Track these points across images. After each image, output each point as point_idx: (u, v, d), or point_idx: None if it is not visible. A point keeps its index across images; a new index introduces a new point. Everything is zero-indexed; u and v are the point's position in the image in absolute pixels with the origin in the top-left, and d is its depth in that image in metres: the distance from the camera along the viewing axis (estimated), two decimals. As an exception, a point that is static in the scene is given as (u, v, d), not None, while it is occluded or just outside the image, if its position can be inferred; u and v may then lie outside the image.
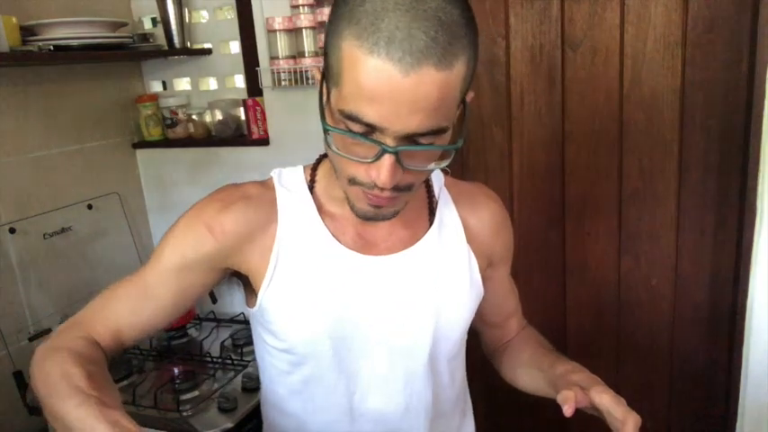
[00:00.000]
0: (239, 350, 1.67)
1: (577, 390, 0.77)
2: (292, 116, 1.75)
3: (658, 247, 1.62)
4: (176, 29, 1.77)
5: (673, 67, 1.49)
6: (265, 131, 1.80)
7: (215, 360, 1.63)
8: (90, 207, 1.79)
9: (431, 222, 0.89)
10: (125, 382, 1.55)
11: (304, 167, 0.89)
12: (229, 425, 1.39)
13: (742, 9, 1.40)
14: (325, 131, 0.70)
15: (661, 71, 1.51)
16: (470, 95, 0.73)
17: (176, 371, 1.55)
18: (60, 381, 0.70)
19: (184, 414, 1.41)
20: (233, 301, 1.90)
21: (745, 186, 1.43)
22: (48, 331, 1.60)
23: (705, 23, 1.45)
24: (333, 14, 0.67)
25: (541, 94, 1.63)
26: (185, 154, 1.94)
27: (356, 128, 0.66)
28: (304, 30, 1.64)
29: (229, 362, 1.61)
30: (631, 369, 1.73)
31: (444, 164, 0.72)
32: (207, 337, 1.78)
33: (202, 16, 1.88)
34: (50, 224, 1.67)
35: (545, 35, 1.58)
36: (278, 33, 1.66)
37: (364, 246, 0.85)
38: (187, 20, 1.81)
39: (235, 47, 1.83)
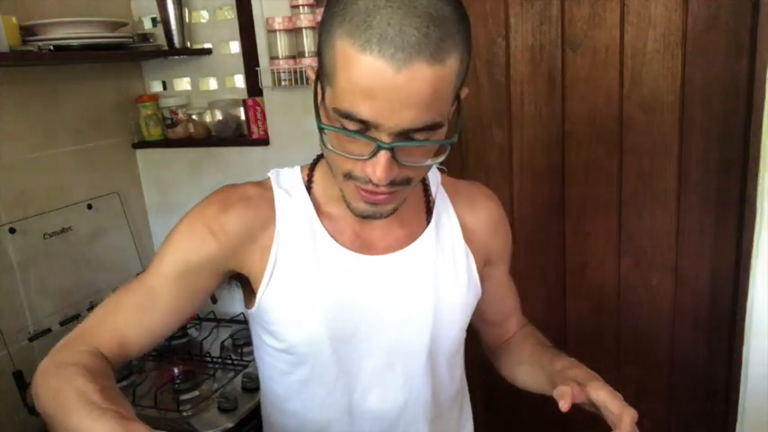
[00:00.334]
0: (239, 350, 1.67)
1: (574, 385, 0.77)
2: (292, 116, 1.75)
3: (658, 247, 1.62)
4: (176, 29, 1.77)
5: (673, 67, 1.49)
6: (265, 131, 1.80)
7: (215, 360, 1.63)
8: (90, 207, 1.79)
9: (428, 221, 0.89)
10: (125, 382, 1.55)
11: (301, 168, 0.89)
12: (229, 425, 1.39)
13: (742, 9, 1.40)
14: (321, 130, 0.71)
15: (661, 71, 1.50)
16: (465, 92, 0.73)
17: (176, 371, 1.55)
18: (73, 397, 0.68)
19: (184, 414, 1.41)
20: (233, 302, 1.90)
21: (745, 186, 1.43)
22: (48, 331, 1.60)
23: (705, 23, 1.45)
24: (325, 14, 0.68)
25: (541, 94, 1.63)
26: (185, 154, 1.94)
27: (351, 125, 0.66)
28: (304, 30, 1.64)
29: (229, 362, 1.62)
30: (631, 369, 1.73)
31: (440, 159, 0.72)
32: (207, 337, 1.78)
33: (202, 16, 1.88)
34: (50, 224, 1.67)
35: (545, 35, 1.58)
36: (278, 33, 1.66)
37: (362, 245, 0.85)
38: (187, 20, 1.81)
39: (235, 47, 1.83)
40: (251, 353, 1.62)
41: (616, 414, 0.74)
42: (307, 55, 1.66)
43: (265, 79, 1.74)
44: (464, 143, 1.73)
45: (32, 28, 1.49)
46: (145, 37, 1.79)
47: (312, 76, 0.75)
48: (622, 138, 1.58)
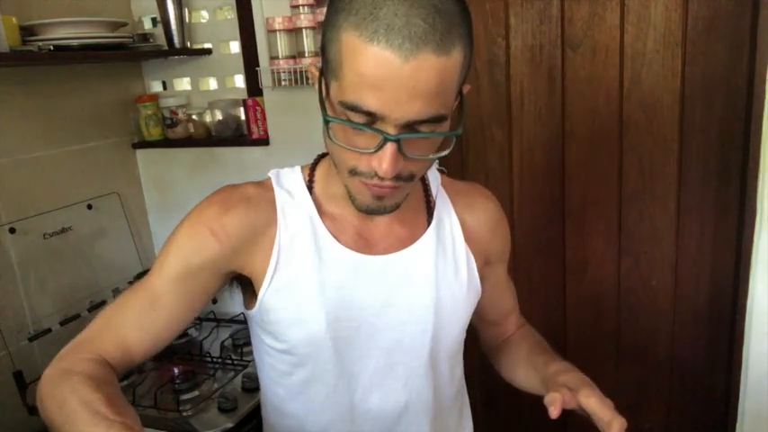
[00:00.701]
0: (239, 350, 1.67)
1: (565, 391, 0.77)
2: (292, 116, 1.75)
3: (658, 247, 1.62)
4: (176, 29, 1.77)
5: (673, 67, 1.49)
6: (265, 131, 1.80)
7: (215, 360, 1.63)
8: (90, 207, 1.79)
9: (429, 222, 0.89)
10: (125, 382, 1.55)
11: (302, 168, 0.89)
12: (229, 425, 1.39)
13: (742, 9, 1.40)
14: (326, 122, 0.70)
15: (661, 71, 1.51)
16: (467, 87, 0.74)
17: (176, 371, 1.55)
18: (80, 408, 0.68)
19: (184, 414, 1.41)
20: (233, 302, 1.89)
21: (745, 186, 1.43)
22: (48, 331, 1.60)
23: (705, 23, 1.45)
24: (329, 11, 0.68)
25: (541, 94, 1.63)
26: (185, 154, 1.94)
27: (357, 118, 0.67)
28: (304, 30, 1.64)
29: (229, 362, 1.61)
30: (631, 369, 1.73)
31: (444, 153, 0.72)
32: (207, 337, 1.78)
33: (202, 16, 1.88)
34: (50, 224, 1.67)
35: (545, 35, 1.58)
36: (278, 33, 1.66)
37: (364, 245, 0.85)
38: (187, 20, 1.81)
39: (235, 47, 1.83)
40: (251, 353, 1.61)
41: (605, 422, 0.74)
42: (307, 55, 1.66)
43: (265, 79, 1.74)
44: (464, 143, 1.73)
45: (32, 28, 1.49)
46: (145, 37, 1.79)
47: (315, 73, 0.75)
48: (622, 138, 1.58)
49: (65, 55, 1.50)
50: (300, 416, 0.91)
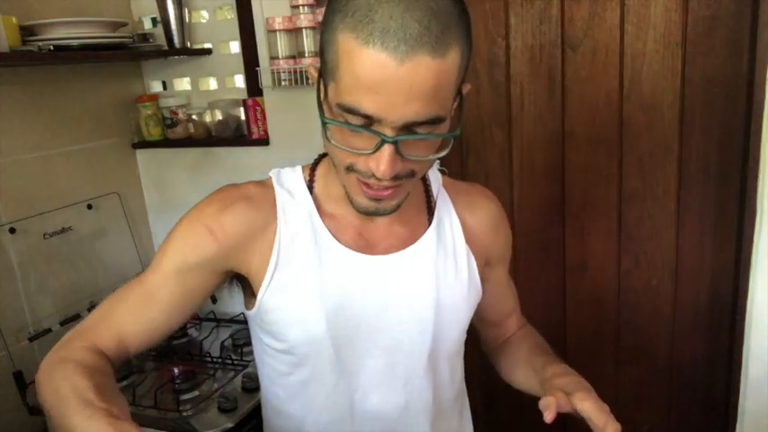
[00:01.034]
0: (239, 350, 1.67)
1: (560, 395, 0.76)
2: (292, 116, 1.75)
3: (658, 247, 1.62)
4: (176, 29, 1.77)
5: (673, 67, 1.49)
6: (265, 131, 1.80)
7: (215, 360, 1.63)
8: (90, 207, 1.79)
9: (429, 222, 0.89)
10: (125, 382, 1.55)
11: (303, 167, 0.89)
12: (229, 425, 1.39)
13: (742, 9, 1.40)
14: (324, 125, 0.71)
15: (661, 71, 1.50)
16: (467, 87, 0.73)
17: (176, 371, 1.55)
18: (70, 394, 0.70)
19: (184, 414, 1.41)
20: (233, 302, 1.90)
21: (745, 186, 1.43)
22: (48, 331, 1.60)
23: (705, 23, 1.45)
24: (327, 11, 0.68)
25: (541, 94, 1.63)
26: (185, 154, 1.94)
27: (355, 120, 0.67)
28: (304, 30, 1.64)
29: (229, 362, 1.61)
30: (631, 369, 1.73)
31: (443, 153, 0.73)
32: (207, 337, 1.78)
33: (202, 16, 1.88)
34: (50, 224, 1.67)
35: (545, 35, 1.58)
36: (278, 33, 1.66)
37: (364, 245, 0.85)
38: (187, 20, 1.81)
39: (235, 47, 1.83)
40: (251, 353, 1.61)
41: (599, 426, 0.74)
42: (307, 55, 1.66)
43: (265, 79, 1.74)
44: (464, 143, 1.73)
45: (32, 28, 1.49)
46: (145, 37, 1.79)
47: (314, 74, 0.75)
48: (622, 138, 1.58)
49: (65, 55, 1.50)
50: (300, 416, 0.90)
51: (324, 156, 0.88)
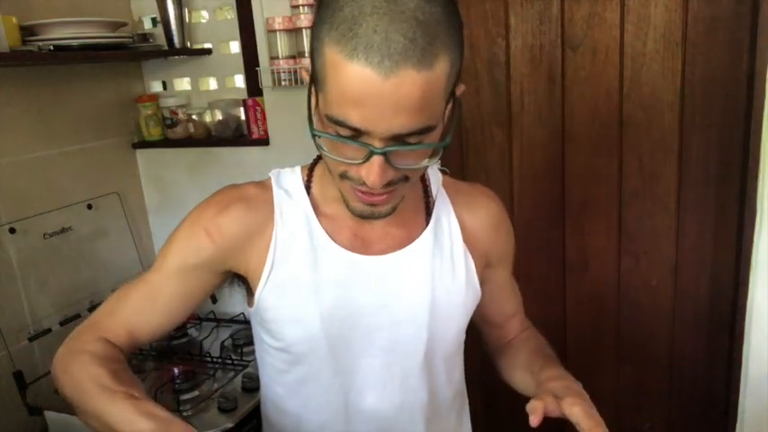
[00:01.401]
0: (239, 350, 1.67)
1: (549, 399, 0.76)
2: (292, 116, 1.74)
3: (658, 247, 1.62)
4: (176, 29, 1.77)
5: (673, 67, 1.49)
6: (265, 131, 1.80)
7: (215, 360, 1.63)
8: (90, 207, 1.79)
9: (427, 222, 0.89)
10: (125, 382, 1.55)
11: (301, 168, 0.89)
12: (229, 425, 1.39)
13: (742, 9, 1.40)
14: (314, 136, 0.71)
15: (661, 71, 1.51)
16: (461, 88, 0.73)
17: (176, 371, 1.55)
18: (88, 383, 0.75)
19: (184, 414, 1.41)
20: (233, 301, 1.90)
21: (745, 186, 1.43)
22: (48, 331, 1.60)
23: (705, 23, 1.45)
24: (315, 19, 0.68)
25: (541, 94, 1.63)
26: (185, 154, 1.94)
27: (344, 131, 0.67)
28: (304, 30, 1.64)
29: (229, 362, 1.61)
30: (631, 369, 1.73)
31: (435, 160, 0.73)
32: (207, 337, 1.78)
33: (202, 16, 1.88)
34: (50, 224, 1.67)
35: (545, 35, 1.58)
36: (278, 33, 1.66)
37: (360, 245, 0.85)
38: (187, 20, 1.81)
39: (235, 47, 1.83)
40: (251, 353, 1.62)
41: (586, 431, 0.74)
42: (306, 55, 1.66)
43: (265, 79, 1.74)
44: (464, 143, 1.73)
45: (32, 28, 1.49)
46: (145, 37, 1.79)
47: (307, 78, 0.75)
48: (622, 137, 1.58)
49: (65, 55, 1.50)
50: (297, 414, 0.91)
51: (321, 157, 0.88)
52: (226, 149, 1.88)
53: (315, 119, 0.72)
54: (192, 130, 1.90)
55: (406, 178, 0.73)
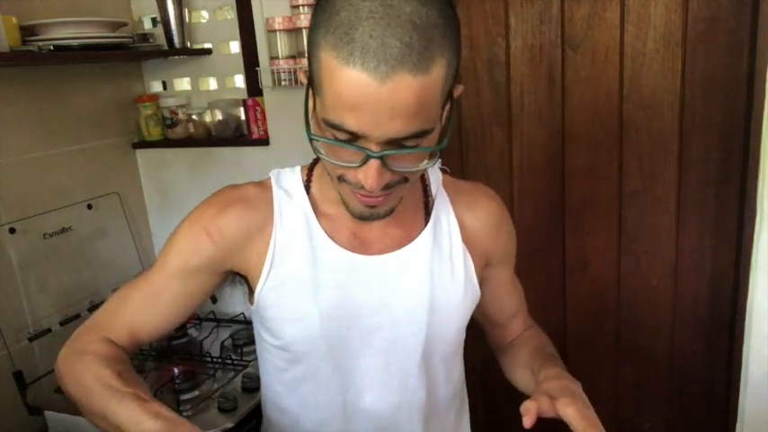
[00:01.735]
0: (239, 350, 1.67)
1: (544, 400, 0.76)
2: (292, 116, 1.75)
3: (658, 247, 1.62)
4: (176, 29, 1.77)
5: (673, 67, 1.49)
6: (265, 131, 1.80)
7: (215, 360, 1.63)
8: (90, 207, 1.79)
9: (426, 222, 0.89)
10: (125, 382, 1.55)
11: (301, 168, 0.90)
12: (229, 425, 1.39)
13: (742, 9, 1.40)
14: (311, 140, 0.71)
15: (661, 71, 1.51)
16: (459, 89, 0.73)
17: (176, 371, 1.55)
18: (94, 383, 0.76)
19: (184, 414, 1.41)
20: (233, 301, 1.90)
21: (745, 186, 1.43)
22: (48, 331, 1.60)
23: (705, 23, 1.45)
24: (312, 23, 0.67)
25: (541, 94, 1.63)
26: (185, 154, 1.94)
27: (340, 135, 0.67)
28: (304, 30, 1.63)
29: (229, 362, 1.61)
30: (631, 369, 1.73)
31: (433, 163, 0.73)
32: (207, 337, 1.78)
33: (202, 16, 1.88)
34: (50, 224, 1.67)
35: (545, 35, 1.58)
36: (278, 33, 1.66)
37: (359, 245, 0.85)
38: (187, 20, 1.81)
39: (235, 47, 1.83)
40: (251, 353, 1.62)
41: None
42: (306, 55, 1.66)
43: (265, 79, 1.74)
44: (464, 143, 1.73)
45: (32, 28, 1.49)
46: (145, 37, 1.79)
47: (304, 80, 0.75)
48: (622, 138, 1.58)
49: (65, 55, 1.50)
50: (296, 412, 0.92)
51: None
52: (226, 149, 1.88)
53: (312, 122, 0.72)
54: (192, 130, 1.90)
55: (405, 180, 0.74)
